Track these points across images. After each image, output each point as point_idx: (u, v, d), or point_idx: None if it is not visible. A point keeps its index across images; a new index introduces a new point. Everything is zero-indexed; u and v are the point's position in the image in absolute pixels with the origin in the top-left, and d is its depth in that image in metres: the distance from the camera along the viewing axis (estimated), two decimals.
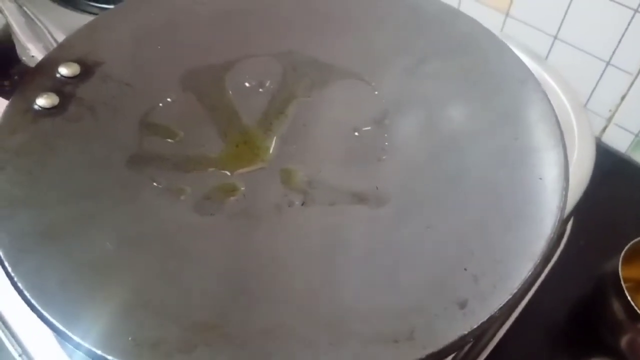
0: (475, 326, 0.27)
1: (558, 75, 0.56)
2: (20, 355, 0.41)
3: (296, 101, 0.41)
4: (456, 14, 0.44)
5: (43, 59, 0.40)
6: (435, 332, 0.27)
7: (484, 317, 0.27)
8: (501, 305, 0.27)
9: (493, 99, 0.38)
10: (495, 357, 0.46)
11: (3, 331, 0.41)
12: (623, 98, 0.70)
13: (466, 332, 0.26)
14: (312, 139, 0.39)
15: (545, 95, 0.38)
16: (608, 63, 0.70)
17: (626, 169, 0.70)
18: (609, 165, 0.69)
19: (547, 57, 0.76)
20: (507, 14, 0.76)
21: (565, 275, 0.51)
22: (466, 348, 0.39)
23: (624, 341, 0.49)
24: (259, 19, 0.44)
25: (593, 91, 0.73)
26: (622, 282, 0.47)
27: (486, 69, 0.40)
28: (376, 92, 0.41)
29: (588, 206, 0.48)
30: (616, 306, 0.49)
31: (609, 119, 0.73)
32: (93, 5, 0.58)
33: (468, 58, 0.41)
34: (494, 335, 0.47)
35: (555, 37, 0.74)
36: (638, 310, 0.46)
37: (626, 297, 0.47)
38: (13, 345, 0.41)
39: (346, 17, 0.44)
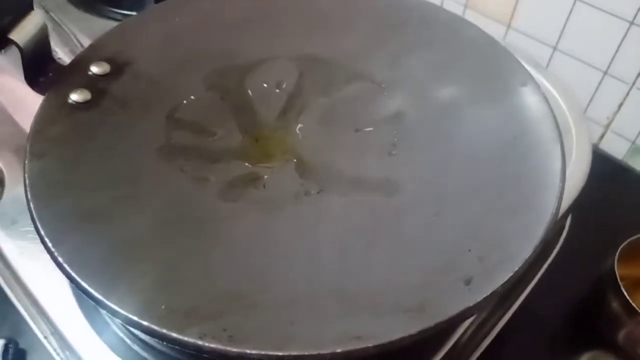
0: (479, 299, 0.29)
1: (557, 81, 0.59)
2: (46, 338, 0.43)
3: (312, 100, 0.44)
4: (461, 22, 0.47)
5: (75, 58, 0.43)
6: (444, 305, 0.29)
7: (488, 291, 0.29)
8: (504, 282, 0.30)
9: (496, 100, 0.41)
10: (494, 352, 0.48)
11: (30, 313, 0.44)
12: (620, 106, 0.73)
13: (471, 304, 0.29)
14: (327, 135, 0.42)
15: (544, 97, 0.41)
16: (605, 73, 0.73)
17: (623, 174, 0.73)
18: (606, 171, 0.71)
19: (547, 66, 0.79)
20: (508, 26, 0.79)
21: (563, 274, 0.53)
22: (467, 334, 0.41)
23: (621, 335, 0.51)
24: (277, 25, 0.47)
25: (591, 100, 0.76)
26: (619, 280, 0.50)
27: (489, 73, 0.43)
28: (386, 93, 0.44)
29: (586, 209, 0.50)
30: (614, 303, 0.51)
31: (607, 127, 0.76)
32: (116, 12, 0.61)
33: (472, 62, 0.44)
34: (491, 329, 0.49)
35: (555, 48, 0.77)
36: (635, 306, 0.48)
37: (623, 294, 0.49)
38: (40, 327, 0.43)
39: (358, 24, 0.48)
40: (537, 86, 0.41)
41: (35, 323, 0.43)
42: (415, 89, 0.43)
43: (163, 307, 0.29)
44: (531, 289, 0.52)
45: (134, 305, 0.29)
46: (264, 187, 0.38)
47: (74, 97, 0.40)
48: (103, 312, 0.37)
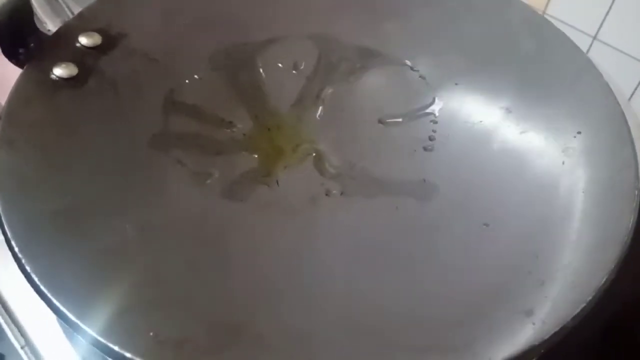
0: (546, 337, 0.23)
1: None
2: (22, 347, 0.38)
3: (333, 85, 0.38)
4: (510, 1, 0.41)
5: (62, 27, 0.37)
6: (498, 343, 0.23)
7: (555, 327, 0.24)
8: (574, 315, 0.24)
9: (552, 90, 0.35)
10: None
11: (6, 321, 0.38)
12: None
13: (537, 344, 0.23)
14: (350, 125, 0.36)
15: (609, 88, 0.35)
16: None
17: None
18: None
19: None
20: (544, 12, 0.73)
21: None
22: None
23: None
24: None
25: (632, 94, 0.69)
26: None
27: (544, 58, 0.36)
28: (421, 78, 0.38)
29: None
30: None
31: None
32: None
33: (523, 46, 0.37)
34: None
35: (595, 38, 0.70)
36: None
37: None
38: (16, 336, 0.38)
39: (389, 2, 0.41)
40: (601, 76, 0.35)
41: (11, 331, 0.38)
42: (456, 75, 0.37)
43: (151, 334, 0.23)
44: None
45: (115, 331, 0.23)
46: (277, 185, 0.32)
47: (58, 71, 0.34)
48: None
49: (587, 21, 0.69)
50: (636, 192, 0.29)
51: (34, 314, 0.35)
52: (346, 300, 0.26)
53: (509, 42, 0.37)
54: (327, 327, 0.25)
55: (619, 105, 0.34)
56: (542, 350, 0.23)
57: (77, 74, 0.35)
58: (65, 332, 0.34)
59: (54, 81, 0.34)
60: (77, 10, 0.52)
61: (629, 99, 0.70)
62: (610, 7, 0.66)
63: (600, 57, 0.70)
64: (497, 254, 0.27)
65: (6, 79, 0.39)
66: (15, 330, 0.38)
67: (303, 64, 0.39)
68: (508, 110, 0.35)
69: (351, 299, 0.26)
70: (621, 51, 0.68)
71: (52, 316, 0.35)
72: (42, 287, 0.25)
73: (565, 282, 0.25)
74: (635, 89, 0.69)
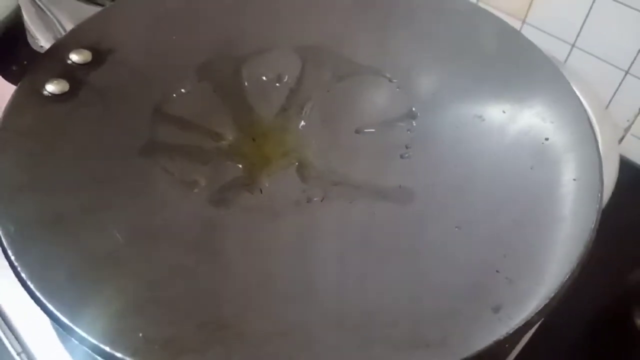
0: (511, 331, 0.25)
1: (578, 78, 0.54)
2: (19, 354, 0.39)
3: (315, 96, 0.39)
4: (479, 11, 0.43)
5: (53, 45, 0.38)
6: (469, 337, 0.25)
7: (520, 321, 0.25)
8: (538, 310, 0.26)
9: (522, 97, 0.37)
10: None
11: (2, 328, 0.40)
12: None
13: (502, 338, 0.25)
14: (331, 134, 0.37)
15: (576, 95, 0.36)
16: (627, 72, 0.68)
17: None
18: (626, 177, 0.67)
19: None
20: (523, 21, 0.75)
21: (585, 287, 0.49)
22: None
23: None
24: (277, 11, 0.43)
25: (610, 101, 0.71)
26: None
27: (515, 67, 0.38)
28: (398, 89, 0.39)
29: (607, 216, 0.46)
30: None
31: (627, 129, 0.71)
32: None
33: (494, 55, 0.39)
34: (511, 349, 0.45)
35: (573, 45, 0.72)
36: None
37: None
38: (12, 343, 0.39)
39: (369, 14, 0.43)
40: (567, 82, 0.37)
41: (7, 339, 0.39)
42: (430, 84, 0.38)
43: (140, 335, 0.25)
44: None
45: (105, 332, 0.25)
46: (261, 192, 0.34)
47: (50, 88, 0.36)
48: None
49: (566, 29, 0.71)
50: (599, 193, 0.30)
51: (30, 321, 0.36)
52: (328, 296, 0.28)
53: (483, 53, 0.39)
54: (309, 323, 0.26)
55: (585, 110, 0.35)
56: (507, 345, 0.25)
57: (69, 90, 0.36)
58: (60, 338, 0.36)
59: (46, 97, 0.35)
60: (68, 26, 0.54)
61: (608, 104, 0.72)
62: (587, 15, 0.68)
63: (579, 64, 0.72)
64: (468, 254, 0.29)
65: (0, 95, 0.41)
66: (12, 337, 0.39)
67: (286, 75, 0.40)
68: (482, 119, 0.36)
69: (333, 295, 0.28)
70: (600, 58, 0.70)
71: (48, 323, 0.36)
72: (35, 291, 0.26)
73: (532, 280, 0.27)
74: (614, 95, 0.71)
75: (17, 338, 0.37)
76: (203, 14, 0.41)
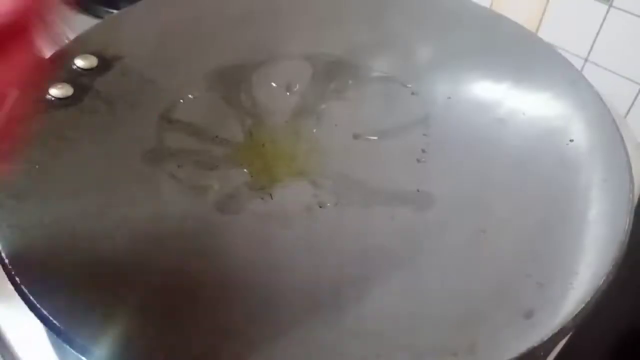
0: (545, 338, 0.23)
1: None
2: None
3: (327, 102, 0.38)
4: (497, 17, 0.41)
5: (59, 50, 0.37)
6: (499, 345, 0.23)
7: (554, 327, 0.23)
8: (574, 315, 0.24)
9: (544, 100, 0.35)
10: None
11: None
12: None
13: (535, 345, 0.23)
14: (344, 139, 0.36)
15: (599, 95, 0.35)
16: None
17: None
18: None
19: None
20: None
21: (614, 300, 0.47)
22: None
23: None
24: (288, 19, 0.42)
25: (626, 114, 0.70)
26: None
27: (534, 70, 0.37)
28: (413, 94, 0.38)
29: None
30: None
31: None
32: (107, 11, 0.56)
33: (514, 59, 0.38)
34: None
35: (586, 60, 0.71)
36: None
37: None
38: (4, 356, 0.37)
39: (380, 18, 0.42)
40: (589, 84, 0.35)
41: (2, 356, 0.37)
42: (447, 89, 0.37)
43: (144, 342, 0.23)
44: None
45: (107, 344, 0.23)
46: (271, 197, 0.32)
47: (54, 92, 0.35)
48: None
49: (578, 43, 0.70)
50: (630, 194, 0.29)
51: (25, 334, 0.34)
52: (346, 304, 0.26)
53: (500, 56, 0.38)
54: (325, 331, 0.24)
55: (609, 111, 0.34)
56: (542, 353, 0.23)
57: (73, 94, 0.35)
58: (57, 352, 0.34)
59: (49, 101, 0.34)
60: (71, 35, 0.53)
61: (624, 116, 0.70)
62: (599, 29, 0.67)
63: (592, 78, 0.70)
64: (495, 258, 0.27)
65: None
66: (7, 353, 0.37)
67: (297, 82, 0.39)
68: (501, 121, 0.35)
69: (352, 303, 0.26)
70: (613, 72, 0.69)
71: (44, 336, 0.34)
72: (33, 299, 0.25)
73: (564, 284, 0.25)
74: (629, 108, 0.70)
75: (12, 353, 0.35)
76: (211, 22, 0.41)
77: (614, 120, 0.33)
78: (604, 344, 0.50)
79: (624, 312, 0.49)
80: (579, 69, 0.71)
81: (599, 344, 0.50)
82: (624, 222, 0.27)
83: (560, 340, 0.23)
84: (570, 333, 0.27)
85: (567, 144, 0.32)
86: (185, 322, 0.25)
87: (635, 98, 0.69)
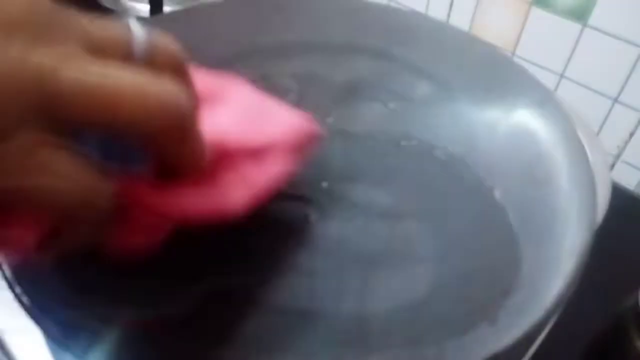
0: (509, 344, 0.25)
1: (566, 105, 0.55)
2: None
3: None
4: (471, 39, 0.44)
5: None
6: (467, 351, 0.25)
7: (517, 333, 0.25)
8: (535, 322, 0.26)
9: (514, 118, 0.37)
10: None
11: None
12: (631, 135, 0.70)
13: (500, 350, 0.25)
14: (326, 153, 0.38)
15: (566, 115, 0.37)
16: (615, 100, 0.70)
17: (636, 206, 0.69)
18: (618, 203, 0.68)
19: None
20: (512, 53, 0.77)
21: (578, 312, 0.49)
22: None
23: None
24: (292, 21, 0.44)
25: (600, 129, 0.73)
26: None
27: (505, 90, 0.39)
28: (393, 111, 0.40)
29: (597, 243, 0.47)
30: (637, 342, 0.47)
31: (617, 156, 0.73)
32: None
33: (487, 80, 0.40)
34: None
35: (562, 75, 0.74)
36: None
37: None
38: None
39: (360, 40, 0.44)
40: (558, 103, 0.38)
41: None
42: (422, 111, 0.39)
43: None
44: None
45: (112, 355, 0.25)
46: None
47: None
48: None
49: (555, 60, 0.73)
50: (592, 209, 0.31)
51: (23, 341, 0.36)
52: (322, 309, 0.28)
53: (471, 78, 0.40)
54: (302, 335, 0.26)
55: (576, 131, 0.36)
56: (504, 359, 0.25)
57: None
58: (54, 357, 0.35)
59: None
60: None
61: (598, 132, 0.73)
62: (575, 47, 0.70)
63: (568, 94, 0.74)
64: (463, 268, 0.29)
65: None
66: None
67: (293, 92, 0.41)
68: (471, 140, 0.37)
69: (327, 307, 0.28)
70: (588, 87, 0.72)
71: (43, 344, 0.36)
72: (29, 304, 0.26)
73: (526, 292, 0.27)
74: (603, 122, 0.73)
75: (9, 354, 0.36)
76: (208, 21, 0.42)
77: (579, 140, 0.35)
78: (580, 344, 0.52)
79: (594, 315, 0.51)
80: (555, 84, 0.74)
81: (571, 346, 0.52)
82: (583, 239, 0.29)
83: (523, 345, 0.26)
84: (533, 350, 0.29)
85: (538, 157, 0.34)
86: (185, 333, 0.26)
87: (609, 112, 0.72)
